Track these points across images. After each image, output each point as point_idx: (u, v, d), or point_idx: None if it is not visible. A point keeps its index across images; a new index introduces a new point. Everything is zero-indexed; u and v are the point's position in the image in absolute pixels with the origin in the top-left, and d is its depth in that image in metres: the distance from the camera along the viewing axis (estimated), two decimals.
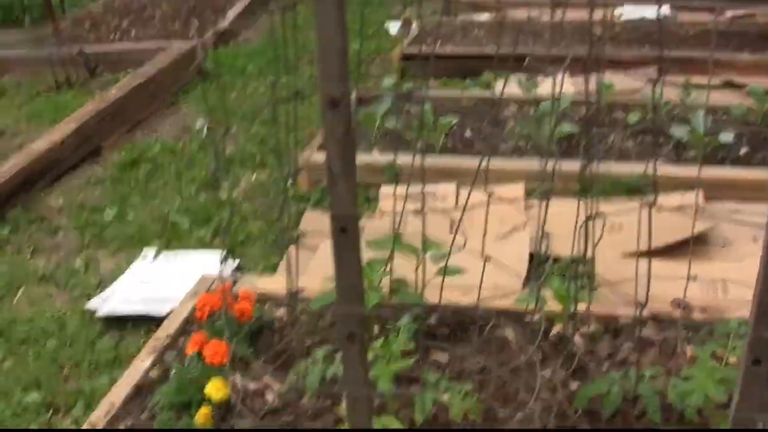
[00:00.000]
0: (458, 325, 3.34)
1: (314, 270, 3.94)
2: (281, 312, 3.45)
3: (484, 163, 3.83)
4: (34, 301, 4.11)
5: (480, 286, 2.46)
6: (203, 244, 4.50)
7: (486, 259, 2.61)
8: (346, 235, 2.01)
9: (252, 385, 3.02)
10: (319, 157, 4.99)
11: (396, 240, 3.06)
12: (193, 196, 5.04)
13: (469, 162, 4.76)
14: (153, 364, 3.19)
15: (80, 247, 4.58)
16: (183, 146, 5.76)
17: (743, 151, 5.17)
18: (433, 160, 4.87)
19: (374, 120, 5.29)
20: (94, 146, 5.72)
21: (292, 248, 4.18)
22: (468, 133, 5.44)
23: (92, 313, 3.94)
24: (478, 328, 3.29)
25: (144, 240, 4.59)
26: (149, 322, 3.82)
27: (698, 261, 4.00)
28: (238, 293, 3.26)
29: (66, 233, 4.74)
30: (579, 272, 3.96)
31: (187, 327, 3.44)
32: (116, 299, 4.00)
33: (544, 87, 5.40)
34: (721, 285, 3.80)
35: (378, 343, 2.79)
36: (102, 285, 4.20)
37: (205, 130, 5.99)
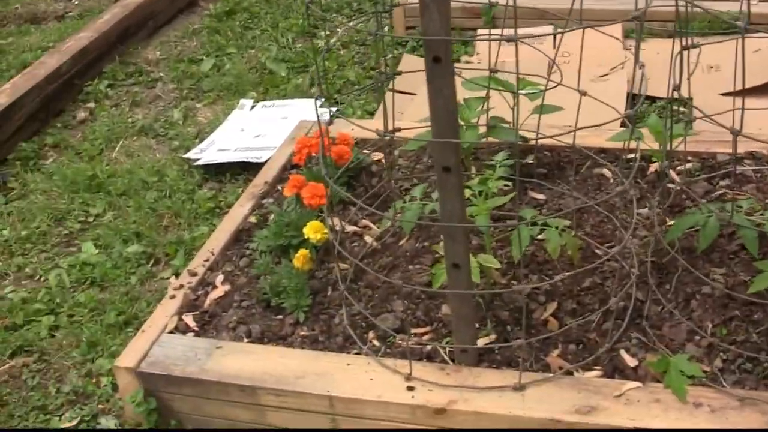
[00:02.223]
0: (555, 165, 3.28)
1: (412, 115, 3.88)
2: (379, 156, 3.41)
3: (578, 4, 3.71)
4: (132, 154, 4.12)
5: (576, 124, 2.37)
6: (301, 92, 4.46)
7: (582, 93, 2.52)
8: (439, 64, 1.97)
9: (350, 228, 3.00)
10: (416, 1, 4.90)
11: (492, 78, 2.98)
12: (290, 44, 4.99)
13: (565, 2, 4.61)
14: (252, 210, 3.18)
15: (178, 99, 4.58)
16: None
17: None
18: (529, 2, 4.74)
19: None
20: None
21: (388, 94, 4.15)
22: None
23: (191, 163, 3.94)
24: (575, 166, 3.23)
25: (241, 90, 4.56)
26: (248, 171, 3.81)
27: None
28: (336, 136, 3.22)
29: (164, 85, 4.74)
30: (676, 110, 3.88)
31: (284, 173, 3.42)
32: (215, 148, 3.99)
33: None
34: None
35: (475, 181, 2.74)
36: (200, 135, 4.20)
37: None
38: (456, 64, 4.36)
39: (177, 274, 3.24)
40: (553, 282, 2.66)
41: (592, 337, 2.52)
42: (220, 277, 2.87)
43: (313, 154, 3.14)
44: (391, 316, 2.62)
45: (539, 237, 2.68)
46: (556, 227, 2.52)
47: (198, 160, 3.91)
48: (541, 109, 2.90)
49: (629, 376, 2.37)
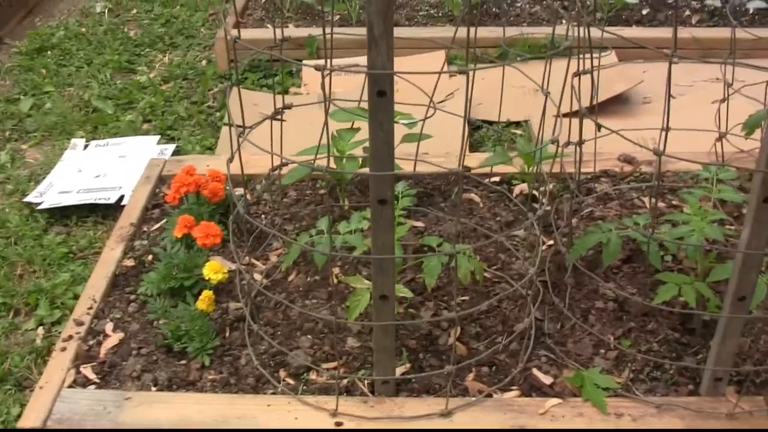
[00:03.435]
0: (423, 192, 3.34)
1: (251, 148, 3.84)
2: (240, 191, 3.37)
3: (403, 33, 3.78)
4: None
5: (463, 149, 2.41)
6: (134, 130, 4.35)
7: (469, 122, 2.59)
8: (384, 99, 1.98)
9: (232, 266, 2.96)
10: (237, 33, 4.85)
11: (362, 109, 3.01)
12: (110, 81, 4.86)
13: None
14: (124, 253, 3.09)
15: (1, 141, 4.37)
16: (87, 31, 5.52)
17: (645, 11, 5.28)
18: (352, 32, 4.79)
19: None
20: None
21: (225, 128, 4.12)
22: None
23: (32, 207, 3.76)
24: (442, 192, 3.30)
25: (68, 129, 4.40)
26: (94, 213, 3.68)
27: (625, 118, 4.12)
28: (207, 174, 3.17)
29: None
30: (516, 134, 4.02)
31: (147, 213, 3.34)
32: (55, 191, 3.84)
33: None
34: (650, 139, 3.86)
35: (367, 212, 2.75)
36: (34, 178, 4.02)
37: (106, 12, 5.78)
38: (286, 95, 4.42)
39: (42, 325, 3.11)
40: (479, 308, 2.71)
41: (502, 358, 2.58)
42: (109, 325, 2.77)
43: (190, 193, 3.07)
44: (301, 352, 2.60)
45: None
46: (464, 253, 2.56)
47: (40, 203, 3.75)
48: (420, 137, 2.95)
49: (547, 393, 2.46)
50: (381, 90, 1.97)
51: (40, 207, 3.73)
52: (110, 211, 3.67)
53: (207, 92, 4.64)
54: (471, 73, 1.95)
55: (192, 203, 3.10)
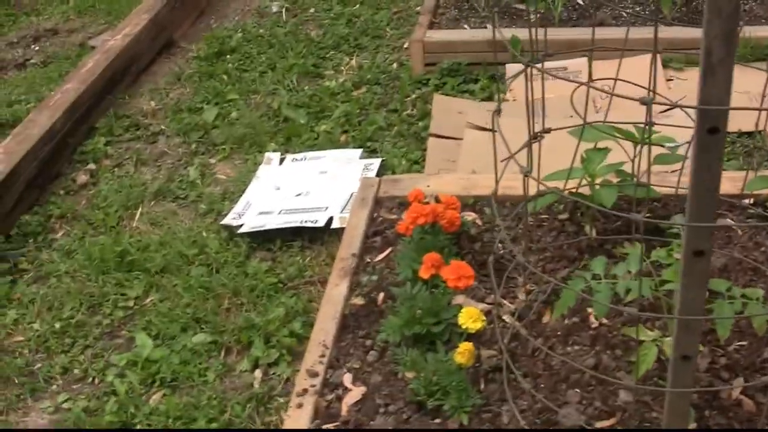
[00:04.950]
0: (667, 218, 2.95)
1: (464, 165, 3.53)
2: (471, 216, 3.04)
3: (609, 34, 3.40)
4: (156, 221, 3.66)
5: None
6: (332, 141, 4.05)
7: None
8: (714, 137, 1.63)
9: (479, 306, 2.62)
10: (435, 35, 4.54)
11: (614, 127, 2.65)
12: (297, 87, 4.57)
13: (594, 33, 4.29)
14: (350, 290, 2.78)
15: (188, 154, 4.12)
16: (266, 32, 5.24)
17: None
18: (556, 33, 4.43)
19: None
20: (166, 39, 5.22)
21: (431, 140, 3.80)
22: (580, 1, 4.95)
23: (231, 230, 3.51)
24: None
25: (258, 141, 4.12)
26: (298, 236, 3.41)
27: None
28: (442, 200, 2.85)
29: (168, 139, 4.27)
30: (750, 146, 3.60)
31: (368, 242, 3.03)
32: (254, 211, 3.57)
33: None
34: None
35: (659, 252, 2.39)
36: (228, 196, 3.76)
37: (283, 12, 5.51)
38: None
39: (257, 366, 2.87)
40: None
41: None
42: (347, 376, 2.46)
43: (427, 224, 2.75)
44: (572, 409, 2.26)
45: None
46: (757, 299, 2.20)
47: (240, 226, 3.48)
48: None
49: None
50: (714, 127, 1.62)
51: (241, 231, 3.46)
52: (317, 234, 3.39)
53: (405, 99, 4.30)
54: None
55: (426, 232, 2.77)
